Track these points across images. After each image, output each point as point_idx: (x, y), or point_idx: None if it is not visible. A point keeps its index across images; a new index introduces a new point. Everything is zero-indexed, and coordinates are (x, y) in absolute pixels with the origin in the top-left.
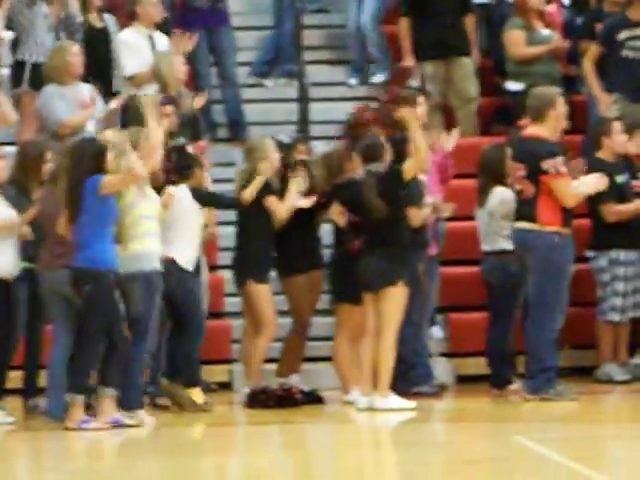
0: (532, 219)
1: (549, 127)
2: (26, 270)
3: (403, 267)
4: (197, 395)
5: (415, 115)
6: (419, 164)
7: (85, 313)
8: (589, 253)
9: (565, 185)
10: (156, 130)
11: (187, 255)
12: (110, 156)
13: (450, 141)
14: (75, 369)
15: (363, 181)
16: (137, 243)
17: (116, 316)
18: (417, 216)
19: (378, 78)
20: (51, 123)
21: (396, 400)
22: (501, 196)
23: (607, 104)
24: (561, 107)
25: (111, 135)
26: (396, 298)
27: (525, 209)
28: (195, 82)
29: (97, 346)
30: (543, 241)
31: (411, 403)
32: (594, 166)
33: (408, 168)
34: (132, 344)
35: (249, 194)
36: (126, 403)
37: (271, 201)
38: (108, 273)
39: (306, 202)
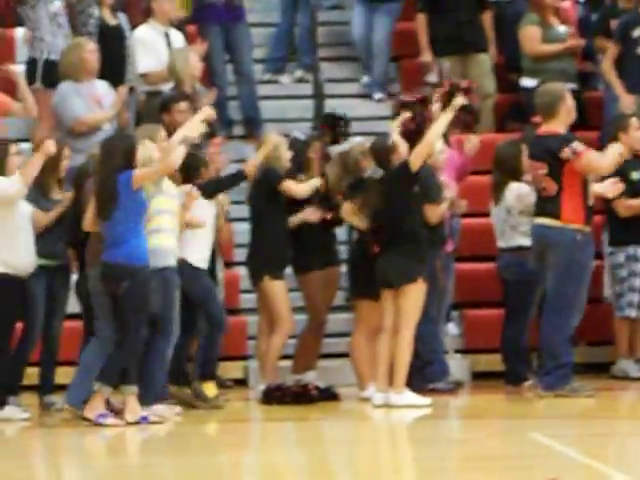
0: (555, 216)
1: (562, 122)
2: (42, 267)
3: (422, 264)
4: (210, 389)
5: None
6: (422, 155)
7: (124, 309)
8: (607, 249)
9: (591, 158)
10: (191, 129)
11: (201, 254)
12: (147, 151)
13: (471, 145)
14: (111, 362)
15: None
16: (153, 238)
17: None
18: (434, 213)
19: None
20: (67, 120)
21: (412, 397)
22: (518, 191)
23: (630, 103)
24: (570, 101)
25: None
26: (415, 295)
27: (548, 206)
28: (210, 79)
29: (138, 342)
30: (565, 238)
31: (426, 400)
32: None
33: (412, 159)
34: (152, 341)
35: (252, 165)
36: (142, 399)
37: (286, 185)
38: (144, 268)
39: (315, 217)
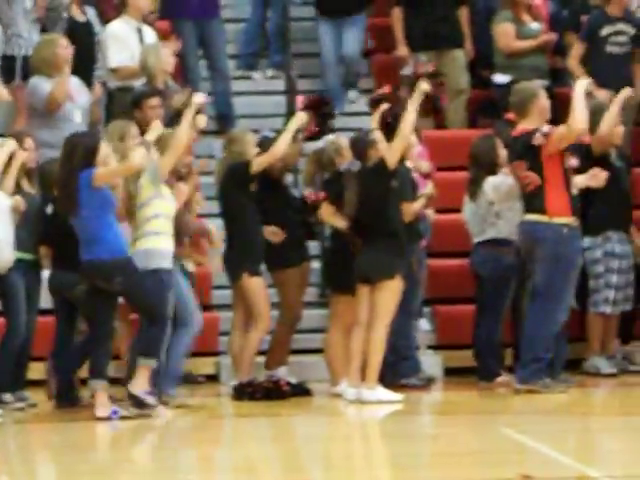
0: (541, 211)
1: (535, 120)
2: (20, 260)
3: (400, 260)
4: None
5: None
6: (398, 149)
7: (133, 305)
8: (584, 244)
9: (561, 129)
10: (186, 131)
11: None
12: (104, 149)
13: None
14: (98, 358)
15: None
16: (149, 241)
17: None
18: (409, 210)
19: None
20: (39, 104)
21: (384, 392)
22: (493, 183)
23: (604, 96)
24: (544, 100)
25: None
26: (392, 291)
27: (534, 201)
28: (183, 75)
29: (167, 324)
30: (552, 233)
31: (398, 395)
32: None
33: (390, 155)
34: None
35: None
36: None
37: (257, 162)
38: (129, 260)
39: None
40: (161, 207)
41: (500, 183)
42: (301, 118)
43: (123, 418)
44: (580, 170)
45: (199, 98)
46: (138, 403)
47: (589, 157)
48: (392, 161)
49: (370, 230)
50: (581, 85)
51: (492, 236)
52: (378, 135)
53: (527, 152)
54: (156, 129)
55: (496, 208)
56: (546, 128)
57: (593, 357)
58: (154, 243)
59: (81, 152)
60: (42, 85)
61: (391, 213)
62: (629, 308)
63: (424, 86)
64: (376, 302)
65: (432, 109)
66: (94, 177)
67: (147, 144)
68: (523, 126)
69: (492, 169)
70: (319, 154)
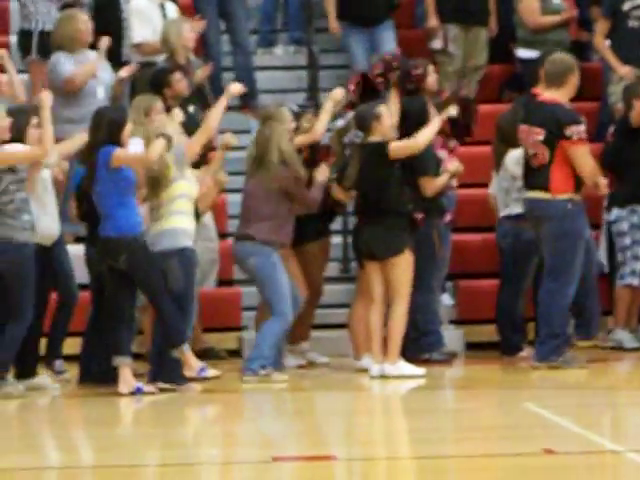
0: (544, 188)
1: (566, 93)
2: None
3: (407, 235)
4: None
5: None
6: (406, 151)
7: (138, 283)
8: (611, 216)
9: (586, 152)
10: (218, 117)
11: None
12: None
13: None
14: (118, 335)
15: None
16: (172, 221)
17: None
18: (430, 185)
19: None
20: (58, 83)
21: (406, 367)
22: (515, 157)
23: (628, 72)
24: (577, 75)
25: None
26: (404, 266)
27: (537, 177)
28: (205, 49)
29: (169, 305)
30: (556, 209)
31: (421, 370)
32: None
33: (395, 149)
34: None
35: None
36: (155, 375)
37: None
38: (137, 238)
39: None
40: (185, 188)
41: (515, 166)
42: (337, 95)
43: (146, 394)
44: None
45: (235, 88)
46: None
47: (628, 128)
48: (394, 154)
49: (373, 206)
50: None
51: (516, 211)
52: (384, 109)
53: (552, 125)
54: (177, 117)
55: (519, 183)
56: (583, 133)
57: (617, 331)
58: (180, 222)
59: (106, 127)
60: (63, 63)
61: (394, 190)
62: None
63: (452, 111)
64: (391, 279)
65: (458, 134)
66: (112, 158)
67: (167, 136)
68: (553, 96)
69: (516, 143)
70: (342, 132)
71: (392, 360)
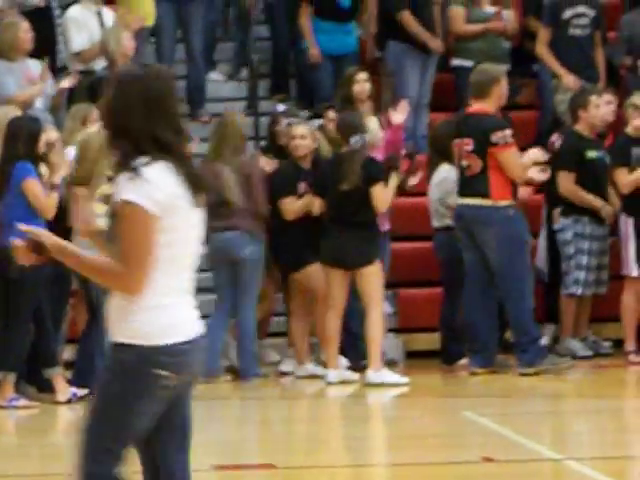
0: (483, 195)
1: (493, 104)
2: None
3: (377, 246)
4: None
5: None
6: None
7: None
8: (556, 225)
9: (514, 155)
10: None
11: None
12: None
13: (399, 115)
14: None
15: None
16: None
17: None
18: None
19: None
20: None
21: (389, 375)
22: (443, 175)
23: (572, 82)
24: (504, 85)
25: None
26: (375, 275)
27: (475, 185)
28: (156, 57)
29: (25, 326)
30: (499, 216)
31: (404, 379)
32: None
33: (377, 198)
34: None
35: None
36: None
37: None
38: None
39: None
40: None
41: (444, 179)
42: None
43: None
44: None
45: None
46: None
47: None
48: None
49: (350, 216)
50: (533, 155)
51: (448, 223)
52: (372, 121)
53: (479, 135)
54: (62, 170)
55: (449, 200)
56: (509, 137)
57: (567, 339)
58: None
59: (23, 138)
60: (4, 80)
61: (368, 201)
62: (603, 291)
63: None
64: (364, 288)
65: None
66: (24, 183)
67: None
68: (480, 107)
69: (449, 156)
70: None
71: (375, 367)
